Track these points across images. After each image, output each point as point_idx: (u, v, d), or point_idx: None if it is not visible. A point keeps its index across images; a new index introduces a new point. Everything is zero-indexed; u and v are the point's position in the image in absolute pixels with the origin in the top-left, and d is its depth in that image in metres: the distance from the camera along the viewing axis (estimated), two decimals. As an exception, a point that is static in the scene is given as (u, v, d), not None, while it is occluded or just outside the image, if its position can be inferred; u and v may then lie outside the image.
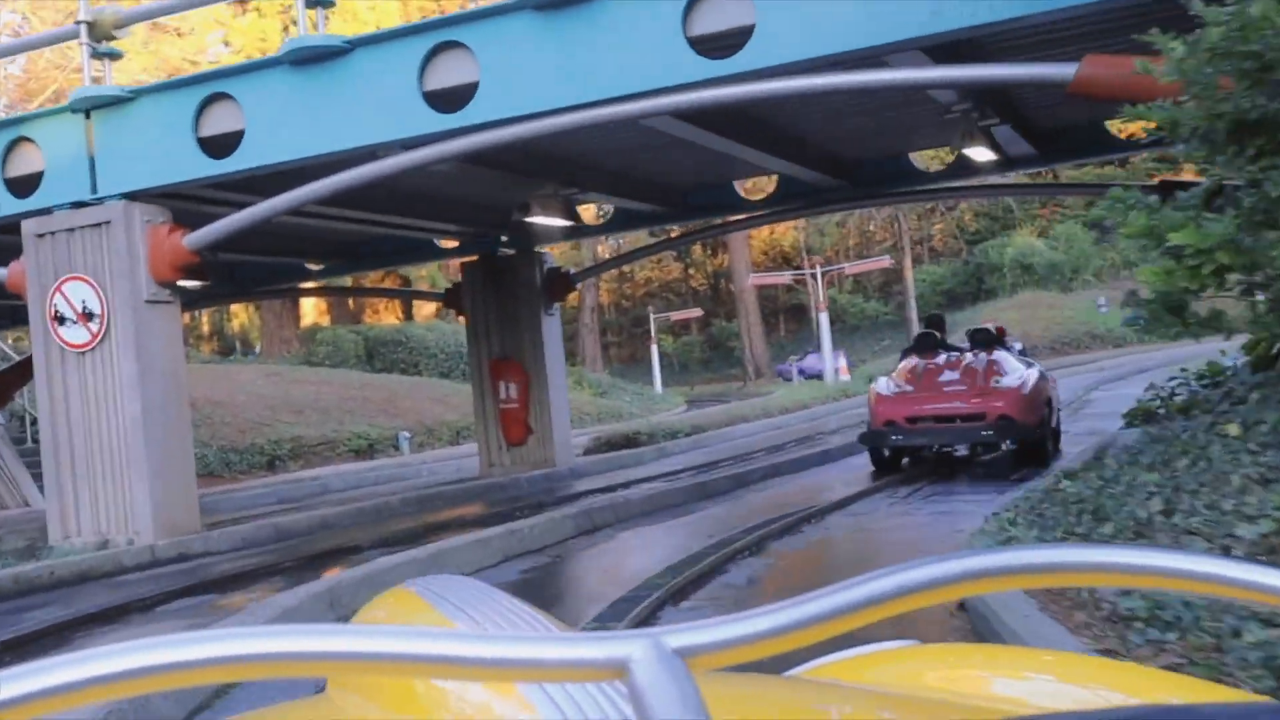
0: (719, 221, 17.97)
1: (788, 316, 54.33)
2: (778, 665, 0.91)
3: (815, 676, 1.17)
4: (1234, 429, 5.48)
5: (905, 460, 12.30)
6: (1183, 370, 17.55)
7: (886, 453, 12.02)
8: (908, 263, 38.06)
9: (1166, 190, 13.49)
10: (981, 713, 0.95)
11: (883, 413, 11.62)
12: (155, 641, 0.54)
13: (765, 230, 47.32)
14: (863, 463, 14.32)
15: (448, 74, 9.53)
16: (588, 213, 16.66)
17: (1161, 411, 15.37)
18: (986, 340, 12.41)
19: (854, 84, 8.54)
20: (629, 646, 0.57)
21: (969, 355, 12.11)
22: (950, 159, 14.90)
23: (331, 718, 1.05)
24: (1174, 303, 5.42)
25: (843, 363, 31.84)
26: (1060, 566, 0.69)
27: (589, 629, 1.30)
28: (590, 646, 0.57)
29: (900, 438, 11.50)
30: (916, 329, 38.48)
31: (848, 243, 50.00)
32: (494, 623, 1.06)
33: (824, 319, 30.91)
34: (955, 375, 11.71)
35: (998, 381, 11.32)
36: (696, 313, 46.46)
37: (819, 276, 31.19)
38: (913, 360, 12.32)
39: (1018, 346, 13.10)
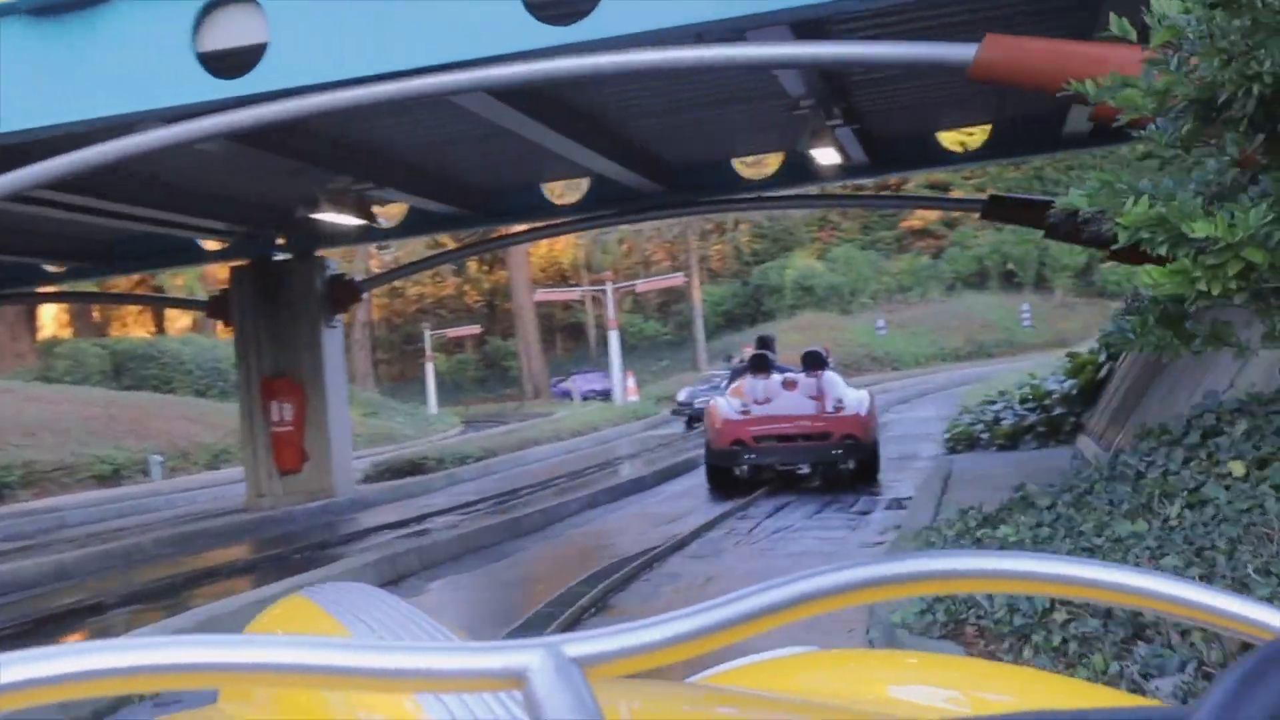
0: (523, 228, 16.54)
1: (565, 335, 53.26)
2: (678, 672, 0.89)
3: (716, 683, 1.15)
4: (1237, 467, 4.51)
5: (739, 472, 12.27)
6: (1001, 393, 17.47)
7: (737, 472, 12.11)
8: (695, 282, 37.56)
9: (994, 205, 13.08)
10: (877, 719, 0.98)
11: (729, 432, 11.74)
12: (33, 654, 0.52)
13: (543, 246, 46.12)
14: (681, 490, 13.31)
15: (230, 32, 7.82)
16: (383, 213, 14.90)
17: (985, 436, 15.05)
18: (817, 362, 12.52)
19: (719, 60, 7.34)
20: (527, 656, 0.56)
21: (803, 376, 12.25)
22: (776, 167, 13.95)
23: None
24: (1172, 314, 4.44)
25: (632, 383, 30.91)
26: (962, 573, 0.69)
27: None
28: (488, 656, 0.56)
29: (752, 456, 11.73)
30: (703, 350, 38.66)
31: (627, 261, 49.38)
32: (391, 631, 1.07)
33: (615, 338, 29.93)
34: (797, 396, 11.93)
35: (840, 402, 11.64)
36: (475, 329, 44.79)
37: (609, 293, 30.18)
38: (749, 380, 12.34)
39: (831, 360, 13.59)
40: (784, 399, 11.88)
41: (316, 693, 0.87)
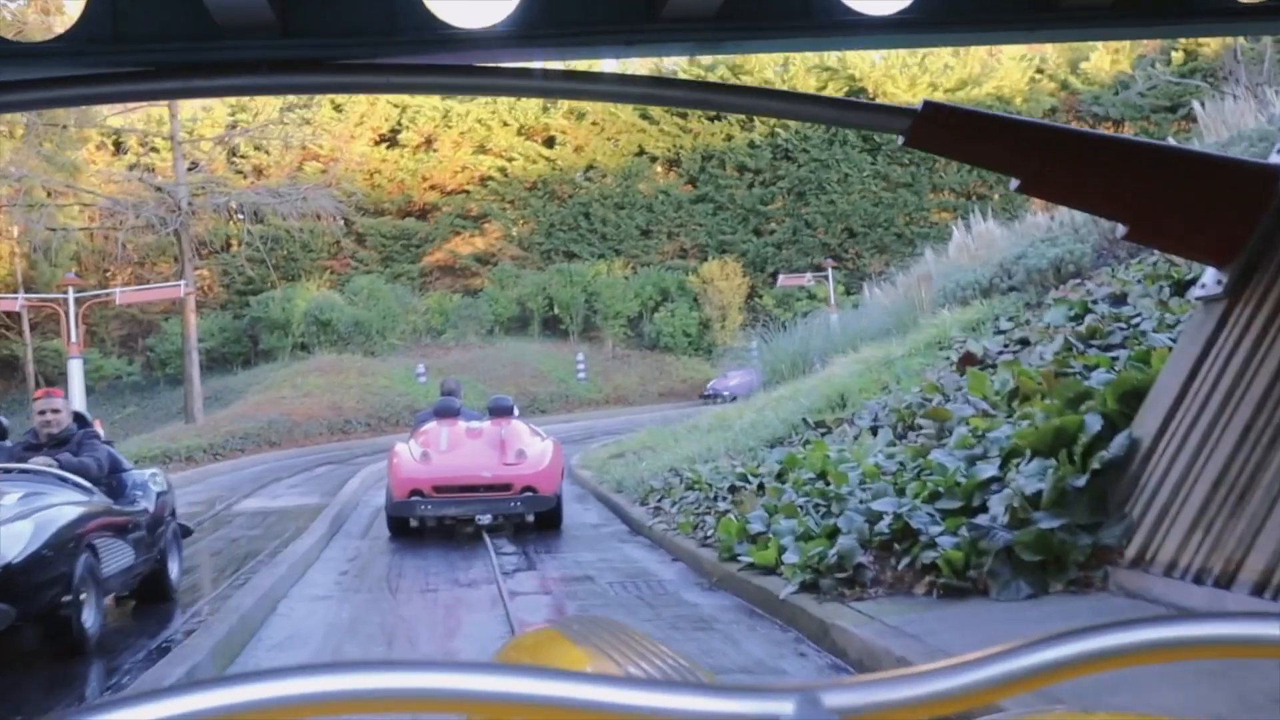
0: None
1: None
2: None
3: None
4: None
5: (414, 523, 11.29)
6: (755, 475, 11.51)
7: (413, 523, 11.27)
8: (191, 304, 28.46)
9: (929, 122, 6.15)
10: None
11: (407, 481, 11.11)
12: (280, 673, 0.55)
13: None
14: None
15: None
16: None
17: (830, 578, 8.80)
18: (503, 411, 12.30)
19: None
20: (784, 703, 0.56)
21: (488, 424, 11.97)
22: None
23: None
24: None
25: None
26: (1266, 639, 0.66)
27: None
28: (743, 701, 0.56)
29: (429, 507, 11.04)
30: (199, 389, 29.32)
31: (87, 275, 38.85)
32: (637, 666, 1.09)
33: (78, 369, 20.61)
34: (480, 443, 11.55)
35: (523, 453, 11.34)
36: None
37: (71, 306, 20.97)
38: (434, 426, 11.91)
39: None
40: (467, 447, 11.53)
41: None
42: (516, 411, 12.72)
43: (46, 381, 33.03)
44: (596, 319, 37.62)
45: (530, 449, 11.44)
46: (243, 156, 39.37)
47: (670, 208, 40.21)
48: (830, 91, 39.71)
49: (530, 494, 11.06)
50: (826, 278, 28.67)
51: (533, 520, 11.39)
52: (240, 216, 41.41)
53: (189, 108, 43.88)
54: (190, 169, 36.69)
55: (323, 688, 0.53)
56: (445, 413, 12.18)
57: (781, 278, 30.29)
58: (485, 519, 11.58)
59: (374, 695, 0.53)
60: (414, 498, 11.09)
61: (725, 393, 28.00)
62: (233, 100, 41.25)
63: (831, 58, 40.92)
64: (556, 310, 37.61)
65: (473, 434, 11.72)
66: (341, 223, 41.20)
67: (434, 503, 11.06)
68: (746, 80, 39.53)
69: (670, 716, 0.54)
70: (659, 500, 11.35)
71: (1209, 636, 0.62)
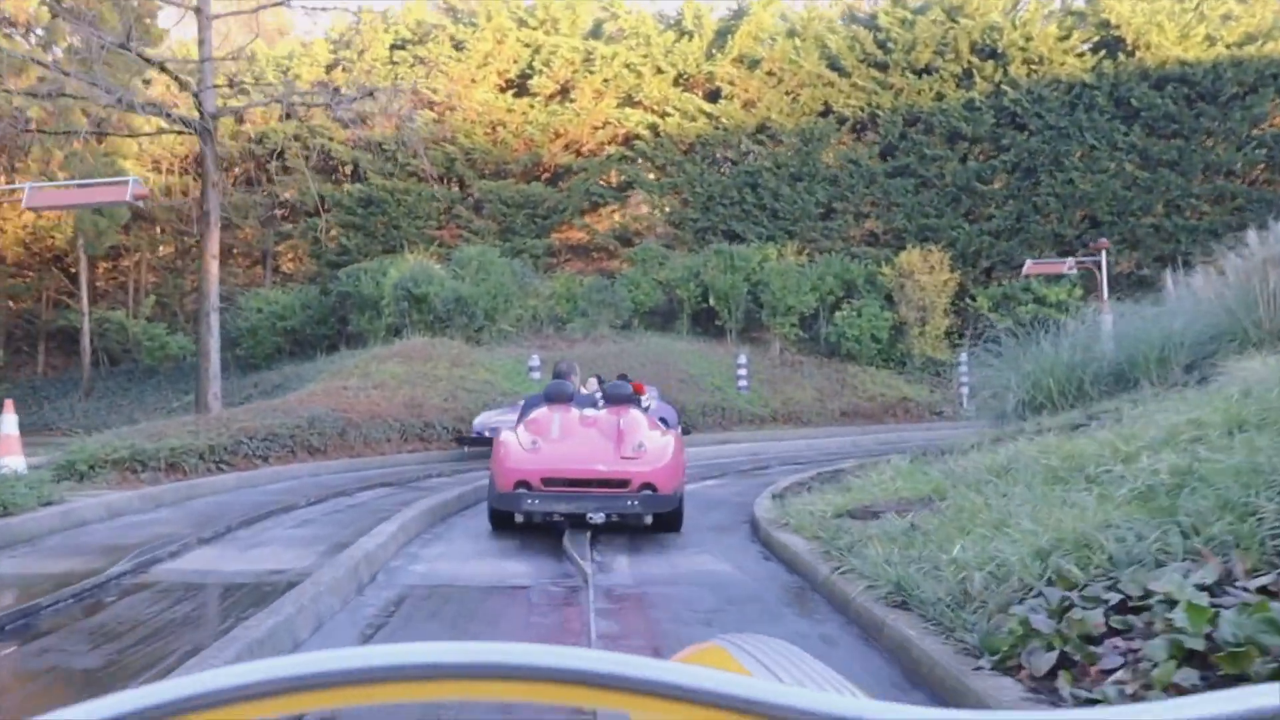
0: None
1: None
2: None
3: None
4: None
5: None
6: None
7: (518, 518, 10.34)
8: (212, 246, 20.57)
9: None
10: None
11: (513, 472, 9.82)
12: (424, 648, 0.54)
13: None
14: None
15: None
16: None
17: None
18: (622, 398, 10.91)
19: None
20: None
21: (604, 413, 10.61)
22: None
23: None
24: None
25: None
26: None
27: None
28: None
29: (535, 501, 9.78)
30: (216, 371, 22.04)
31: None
32: (801, 684, 1.06)
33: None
34: (595, 433, 10.24)
35: (643, 446, 9.97)
36: None
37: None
38: (544, 412, 10.61)
39: (651, 401, 12.08)
40: (580, 437, 10.19)
41: None
42: (654, 399, 11.41)
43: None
44: (761, 315, 29.66)
45: (651, 443, 10.13)
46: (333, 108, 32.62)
47: (860, 181, 32.00)
48: (1075, 43, 31.10)
49: (649, 492, 9.80)
50: (1099, 264, 20.24)
51: (650, 523, 10.28)
52: (336, 175, 34.69)
53: (285, 44, 37.41)
54: (285, 117, 30.06)
55: (463, 660, 0.52)
56: (557, 397, 10.94)
57: (1030, 264, 21.75)
58: (598, 518, 10.24)
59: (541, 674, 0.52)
60: (519, 490, 9.85)
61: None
62: (336, 33, 34.53)
63: (1077, -1, 32.28)
64: (712, 301, 29.78)
65: (587, 422, 10.50)
66: (456, 186, 34.11)
67: (541, 497, 9.83)
68: (967, 26, 31.21)
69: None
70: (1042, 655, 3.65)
71: None
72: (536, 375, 23.25)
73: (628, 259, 31.66)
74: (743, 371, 26.05)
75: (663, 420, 11.43)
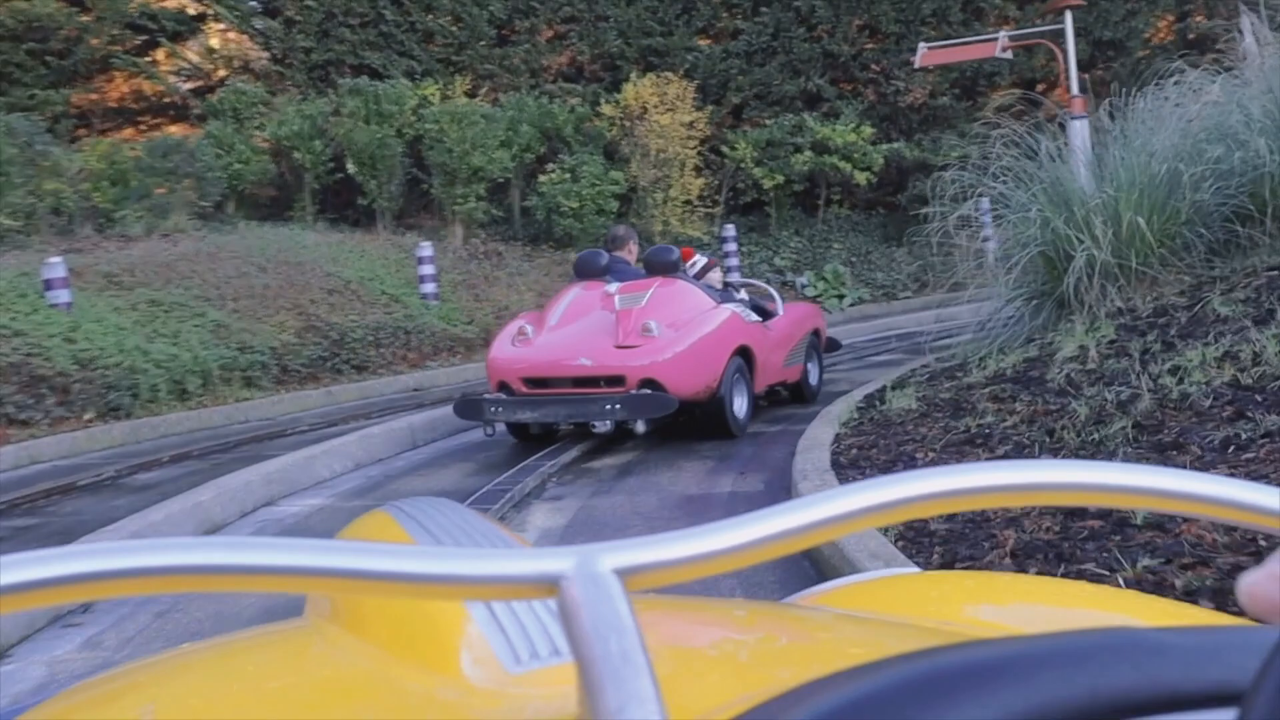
0: None
1: None
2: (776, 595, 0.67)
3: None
4: None
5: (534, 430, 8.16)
6: None
7: (487, 431, 8.25)
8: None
9: None
10: (941, 635, 0.89)
11: (493, 372, 7.96)
12: (98, 549, 0.51)
13: None
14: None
15: None
16: None
17: None
18: (664, 265, 8.53)
19: None
20: (562, 563, 0.54)
21: (633, 286, 8.32)
22: None
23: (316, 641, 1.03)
24: None
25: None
26: (1067, 485, 0.60)
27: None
28: (521, 563, 0.54)
29: (499, 410, 7.67)
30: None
31: None
32: (454, 540, 1.05)
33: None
34: (602, 316, 8.01)
35: (650, 329, 7.61)
36: None
37: None
38: (570, 290, 8.52)
39: (696, 268, 9.07)
40: (583, 323, 8.02)
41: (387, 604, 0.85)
42: (701, 262, 9.04)
43: None
44: (432, 186, 19.28)
45: (669, 323, 7.67)
46: None
47: (550, -14, 21.95)
48: None
49: (649, 391, 7.40)
50: (1059, 41, 11.49)
51: (642, 431, 7.54)
52: None
53: None
54: None
55: (122, 564, 0.48)
56: (586, 271, 8.75)
57: (924, 50, 12.27)
58: (603, 427, 7.64)
59: (184, 571, 0.49)
60: (502, 394, 7.92)
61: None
62: None
63: None
64: (350, 169, 18.98)
65: (606, 302, 8.18)
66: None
67: (507, 405, 7.69)
68: None
69: (447, 582, 0.52)
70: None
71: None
72: (64, 300, 11.94)
73: (208, 111, 20.12)
74: (427, 270, 15.79)
75: (726, 292, 8.84)
